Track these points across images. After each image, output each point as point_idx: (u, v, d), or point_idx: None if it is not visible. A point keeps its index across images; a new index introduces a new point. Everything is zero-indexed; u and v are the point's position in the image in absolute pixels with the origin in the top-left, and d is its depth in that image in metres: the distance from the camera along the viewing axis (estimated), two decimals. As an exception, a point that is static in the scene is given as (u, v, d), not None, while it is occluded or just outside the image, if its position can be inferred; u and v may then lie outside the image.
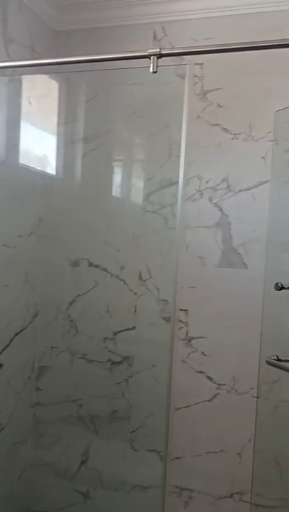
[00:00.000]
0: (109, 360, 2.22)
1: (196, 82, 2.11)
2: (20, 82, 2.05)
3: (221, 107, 2.08)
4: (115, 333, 2.22)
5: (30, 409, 2.29)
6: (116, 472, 2.21)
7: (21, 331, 2.16)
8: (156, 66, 1.41)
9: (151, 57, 1.40)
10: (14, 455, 2.18)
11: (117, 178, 2.33)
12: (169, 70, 2.06)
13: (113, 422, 2.22)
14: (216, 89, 2.09)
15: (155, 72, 1.41)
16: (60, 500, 2.29)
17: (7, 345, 2.06)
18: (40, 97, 2.18)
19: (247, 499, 2.03)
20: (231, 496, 2.05)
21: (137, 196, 2.26)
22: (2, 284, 2.02)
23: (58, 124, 2.28)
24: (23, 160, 2.14)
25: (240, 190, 2.05)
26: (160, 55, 1.41)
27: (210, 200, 2.09)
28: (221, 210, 2.08)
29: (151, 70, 1.41)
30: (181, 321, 2.11)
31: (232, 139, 2.06)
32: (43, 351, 2.30)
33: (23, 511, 2.29)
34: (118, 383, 2.21)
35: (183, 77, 2.05)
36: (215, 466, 2.07)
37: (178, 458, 2.10)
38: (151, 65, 1.41)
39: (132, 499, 2.17)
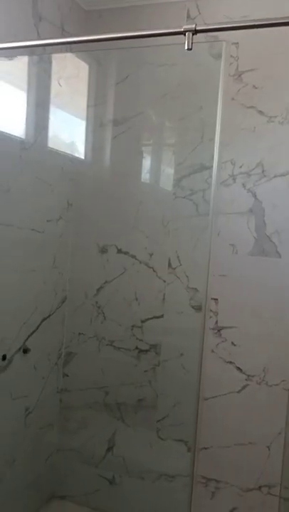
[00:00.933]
0: (136, 347, 2.19)
1: (231, 63, 2.03)
2: (50, 63, 2.01)
3: (256, 88, 2.00)
4: (143, 321, 2.18)
5: (56, 394, 2.29)
6: (142, 460, 2.19)
7: (49, 316, 2.15)
8: (192, 43, 1.34)
9: (186, 34, 1.34)
10: (41, 440, 2.19)
11: (147, 162, 2.28)
12: (202, 50, 1.99)
13: (140, 410, 2.20)
14: (252, 69, 2.00)
15: (190, 49, 1.34)
16: (85, 485, 2.29)
17: (34, 330, 2.06)
18: (70, 79, 2.14)
19: (276, 492, 1.98)
20: (259, 488, 2.01)
21: (167, 181, 2.20)
22: (30, 268, 2.01)
23: (88, 106, 2.23)
24: (51, 143, 2.11)
25: (275, 176, 1.97)
26: (195, 31, 1.33)
27: (243, 185, 2.02)
28: (254, 196, 2.00)
29: (186, 47, 1.33)
30: (210, 310, 2.06)
31: (267, 121, 1.98)
32: (70, 337, 2.29)
33: (48, 495, 2.31)
34: (145, 371, 2.18)
35: (216, 57, 1.97)
36: (243, 458, 2.02)
37: (205, 448, 2.06)
38: (186, 42, 1.33)
39: (158, 488, 2.15)
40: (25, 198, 1.94)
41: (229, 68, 2.01)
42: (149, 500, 2.18)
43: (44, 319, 2.12)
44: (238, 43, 2.02)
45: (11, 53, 1.69)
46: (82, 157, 2.29)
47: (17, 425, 2.02)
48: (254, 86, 2.00)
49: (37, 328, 2.07)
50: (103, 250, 2.24)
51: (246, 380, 2.02)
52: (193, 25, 1.34)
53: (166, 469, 2.13)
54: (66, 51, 2.00)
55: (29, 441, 2.11)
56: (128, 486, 2.22)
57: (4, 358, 1.88)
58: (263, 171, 1.99)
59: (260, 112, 1.99)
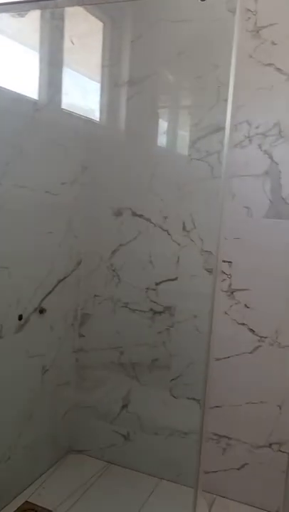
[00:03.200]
0: (151, 309, 2.23)
1: (249, 18, 1.95)
2: (62, 19, 1.96)
3: (275, 44, 1.92)
4: (157, 284, 2.21)
5: (73, 354, 2.36)
6: (156, 417, 2.26)
7: (64, 278, 2.19)
8: (208, -7, 1.29)
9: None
10: (58, 396, 2.27)
11: (162, 123, 2.24)
12: (219, 4, 1.91)
13: (153, 370, 2.25)
14: (271, 24, 1.92)
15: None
16: (101, 440, 2.39)
17: (50, 292, 2.10)
18: (83, 37, 2.09)
19: (286, 449, 2.03)
20: (270, 445, 2.06)
21: (183, 143, 2.17)
22: (45, 231, 2.03)
23: (102, 66, 2.19)
24: (65, 104, 2.08)
25: (292, 136, 1.93)
26: (212, -19, 1.29)
27: (259, 147, 1.98)
28: (270, 157, 1.96)
29: (201, -2, 1.30)
30: (224, 272, 2.06)
31: (286, 80, 1.92)
32: (86, 299, 2.34)
33: (65, 449, 2.41)
34: (159, 332, 2.22)
35: (234, 11, 1.90)
36: (254, 416, 2.07)
37: (218, 407, 2.11)
38: (203, -8, 1.30)
39: (171, 443, 2.23)
40: (39, 160, 1.94)
41: (247, 24, 1.94)
42: (162, 455, 2.26)
43: (60, 281, 2.16)
44: (256, -3, 1.94)
45: (22, 8, 1.66)
46: (97, 119, 2.26)
47: (34, 382, 2.10)
48: (273, 42, 1.93)
49: (53, 290, 2.12)
50: (118, 213, 2.24)
51: (259, 341, 2.04)
52: (210, -25, 1.29)
53: (179, 426, 2.19)
54: (79, 4, 1.93)
55: (46, 397, 2.19)
56: (142, 442, 2.31)
57: (21, 317, 1.93)
58: (280, 132, 1.94)
59: (279, 70, 1.92)
